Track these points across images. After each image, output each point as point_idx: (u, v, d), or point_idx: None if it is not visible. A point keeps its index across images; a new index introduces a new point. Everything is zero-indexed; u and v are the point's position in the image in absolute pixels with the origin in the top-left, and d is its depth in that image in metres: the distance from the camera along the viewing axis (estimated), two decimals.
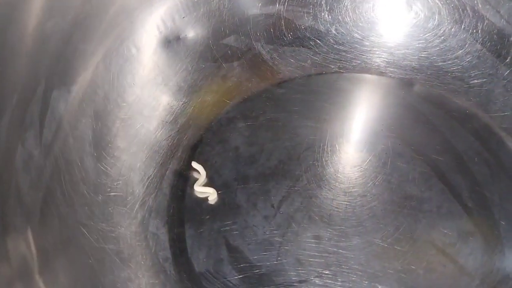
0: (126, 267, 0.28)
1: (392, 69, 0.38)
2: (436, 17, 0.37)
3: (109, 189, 0.30)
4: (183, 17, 0.35)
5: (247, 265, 0.30)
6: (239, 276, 0.30)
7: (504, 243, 0.31)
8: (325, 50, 0.38)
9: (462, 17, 0.37)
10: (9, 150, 0.24)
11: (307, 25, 0.38)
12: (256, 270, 0.30)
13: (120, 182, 0.31)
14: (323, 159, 0.34)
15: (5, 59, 0.24)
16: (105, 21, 0.30)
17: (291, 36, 0.38)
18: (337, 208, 0.32)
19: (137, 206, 0.31)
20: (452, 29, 0.37)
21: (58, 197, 0.27)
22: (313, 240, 0.31)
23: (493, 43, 0.37)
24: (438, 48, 0.38)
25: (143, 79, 0.34)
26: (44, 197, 0.26)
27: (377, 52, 0.38)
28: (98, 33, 0.30)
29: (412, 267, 0.30)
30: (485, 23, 0.37)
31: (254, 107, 0.37)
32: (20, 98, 0.25)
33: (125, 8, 0.31)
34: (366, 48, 0.38)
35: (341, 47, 0.38)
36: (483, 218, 0.32)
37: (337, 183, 0.33)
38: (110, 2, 0.30)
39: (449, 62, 0.37)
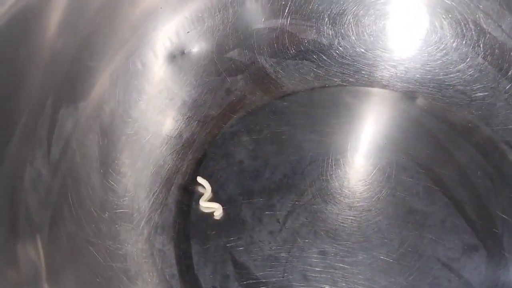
0: (133, 285, 0.28)
1: (394, 83, 0.38)
2: (439, 31, 0.38)
3: (115, 206, 0.30)
4: (188, 32, 0.35)
5: (254, 281, 0.30)
6: None
7: (507, 257, 0.31)
8: (328, 63, 0.39)
9: (464, 31, 0.37)
10: (18, 169, 0.24)
11: (310, 38, 0.39)
12: (263, 286, 0.30)
13: (127, 198, 0.31)
14: (328, 173, 0.34)
15: (17, 76, 0.24)
16: (113, 38, 0.30)
17: (294, 49, 0.39)
18: (342, 223, 0.32)
19: (143, 222, 0.31)
20: (454, 43, 0.38)
21: (65, 216, 0.27)
22: (319, 256, 0.31)
23: (495, 57, 0.37)
24: (440, 62, 0.38)
25: (149, 95, 0.34)
26: (52, 216, 0.26)
27: (380, 66, 0.38)
28: (105, 50, 0.30)
29: (418, 282, 0.30)
30: (487, 37, 0.37)
31: (258, 121, 0.37)
32: (29, 116, 0.25)
33: (131, 24, 0.31)
34: (369, 62, 0.38)
35: (344, 61, 0.39)
36: (486, 232, 0.32)
37: (342, 197, 0.33)
38: (118, 19, 0.30)
39: (451, 75, 0.38)
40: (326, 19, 0.38)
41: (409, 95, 0.38)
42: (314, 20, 0.38)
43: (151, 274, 0.29)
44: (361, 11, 0.38)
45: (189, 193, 0.33)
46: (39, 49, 0.25)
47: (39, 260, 0.23)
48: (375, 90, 0.38)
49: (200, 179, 0.33)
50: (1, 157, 0.23)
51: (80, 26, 0.28)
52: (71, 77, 0.28)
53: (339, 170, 0.35)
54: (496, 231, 0.32)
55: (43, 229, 0.25)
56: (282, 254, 0.31)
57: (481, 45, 0.37)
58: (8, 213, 0.24)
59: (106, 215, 0.29)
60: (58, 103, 0.28)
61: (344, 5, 0.38)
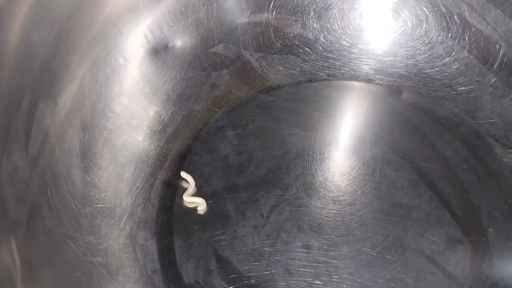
0: (114, 280, 0.28)
1: (380, 76, 0.38)
2: (424, 25, 0.38)
3: (96, 201, 0.30)
4: (171, 26, 0.35)
5: (237, 276, 0.30)
6: (228, 287, 0.30)
7: (492, 251, 0.31)
8: (314, 57, 0.38)
9: (450, 25, 0.37)
10: None
11: (295, 33, 0.38)
12: (246, 281, 0.30)
13: (108, 193, 0.31)
14: (313, 168, 0.34)
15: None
16: (92, 31, 0.30)
17: (280, 44, 0.38)
18: (326, 217, 0.32)
19: (125, 217, 0.31)
20: (440, 37, 0.38)
21: (44, 210, 0.26)
22: (302, 250, 0.31)
23: (480, 50, 0.37)
24: (425, 56, 0.38)
25: (131, 89, 0.33)
26: (30, 210, 0.25)
27: (365, 60, 0.38)
28: (85, 44, 0.30)
29: (402, 275, 0.30)
30: (472, 31, 0.37)
31: (243, 116, 0.37)
32: (5, 110, 0.25)
33: (112, 18, 0.31)
34: (354, 56, 0.38)
35: (329, 55, 0.38)
36: (471, 225, 0.32)
37: (326, 191, 0.33)
38: (97, 12, 0.30)
39: (437, 69, 0.37)
40: (312, 13, 0.38)
41: (394, 89, 0.37)
42: (299, 14, 0.38)
43: (132, 269, 0.29)
44: (346, 5, 0.38)
45: (173, 188, 0.33)
46: (11, 44, 0.25)
47: (14, 262, 0.23)
48: (361, 84, 0.38)
49: (184, 174, 0.33)
50: None
51: (56, 20, 0.27)
52: (49, 71, 0.28)
53: (323, 165, 0.34)
54: (481, 224, 0.32)
55: (19, 224, 0.25)
56: (266, 249, 0.31)
57: (466, 39, 0.37)
58: None
59: (87, 210, 0.29)
60: (36, 97, 0.27)
61: None
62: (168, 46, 0.35)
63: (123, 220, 0.31)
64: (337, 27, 0.38)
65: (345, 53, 0.38)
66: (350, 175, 0.34)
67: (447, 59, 0.37)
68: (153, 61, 0.34)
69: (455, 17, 0.37)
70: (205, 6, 0.35)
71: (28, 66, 0.26)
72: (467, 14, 0.37)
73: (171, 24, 0.35)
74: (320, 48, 0.38)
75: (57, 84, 0.29)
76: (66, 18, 0.28)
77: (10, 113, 0.25)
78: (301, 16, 0.38)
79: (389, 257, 0.31)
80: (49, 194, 0.27)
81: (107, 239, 0.29)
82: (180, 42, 0.35)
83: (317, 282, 0.30)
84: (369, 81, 0.38)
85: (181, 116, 0.35)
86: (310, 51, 0.38)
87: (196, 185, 0.33)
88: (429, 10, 0.37)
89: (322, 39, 0.38)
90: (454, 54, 0.37)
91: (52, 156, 0.28)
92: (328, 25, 0.38)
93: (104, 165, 0.31)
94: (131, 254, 0.29)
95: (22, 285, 0.22)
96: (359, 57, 0.38)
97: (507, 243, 0.31)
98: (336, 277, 0.30)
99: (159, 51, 0.35)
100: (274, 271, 0.30)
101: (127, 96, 0.33)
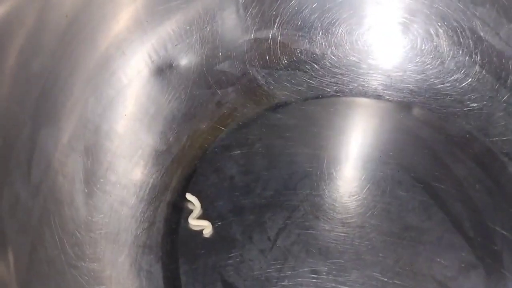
0: None
1: (389, 92, 0.37)
2: (434, 39, 0.37)
3: (100, 227, 0.29)
4: (176, 45, 0.34)
5: None
6: None
7: (507, 276, 0.30)
8: (321, 73, 0.38)
9: (461, 39, 0.36)
10: None
11: (302, 48, 0.38)
12: None
13: (112, 218, 0.30)
14: (321, 188, 0.33)
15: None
16: (95, 54, 0.30)
17: (286, 60, 0.38)
18: (335, 240, 0.31)
19: (129, 242, 0.30)
20: (451, 52, 0.37)
21: (47, 240, 0.26)
22: (310, 275, 0.30)
23: (492, 65, 0.36)
24: (436, 71, 0.37)
25: (135, 110, 0.33)
26: (32, 241, 0.25)
27: (374, 75, 0.37)
28: (87, 67, 0.29)
29: None
30: (484, 45, 0.36)
31: (250, 134, 0.36)
32: (5, 140, 0.24)
33: (115, 39, 0.31)
34: (363, 71, 0.37)
35: (337, 70, 0.38)
36: (485, 249, 0.31)
37: (335, 213, 0.32)
38: (99, 34, 0.29)
39: (448, 84, 0.37)
40: (319, 28, 0.37)
41: (404, 105, 0.37)
42: (306, 29, 0.37)
43: None
44: (354, 20, 0.37)
45: (178, 211, 0.32)
46: (8, 70, 0.24)
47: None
48: (370, 100, 0.37)
49: (189, 196, 0.33)
50: None
51: (57, 44, 0.27)
52: (50, 97, 0.27)
53: (332, 185, 0.34)
54: (495, 248, 0.31)
55: (21, 257, 0.24)
56: (273, 274, 0.30)
57: (479, 54, 0.36)
58: None
59: (91, 236, 0.29)
60: (37, 124, 0.27)
61: (337, 14, 0.37)
62: (173, 65, 0.34)
63: (128, 245, 0.30)
64: (345, 42, 0.37)
65: (353, 68, 0.38)
66: (360, 196, 0.33)
67: (458, 75, 0.36)
68: (157, 81, 0.34)
69: (467, 31, 0.36)
70: (209, 24, 0.35)
71: (28, 92, 0.26)
72: (479, 28, 0.36)
73: (176, 43, 0.34)
74: (328, 63, 0.38)
75: (60, 109, 0.28)
76: (67, 42, 0.28)
77: (10, 142, 0.25)
78: (308, 32, 0.37)
79: (399, 282, 0.30)
80: (52, 222, 0.27)
81: (111, 266, 0.29)
82: (185, 60, 0.35)
83: None
84: (378, 97, 0.37)
85: (186, 136, 0.35)
86: (317, 67, 0.38)
87: (201, 207, 0.32)
88: (439, 24, 0.37)
89: (330, 54, 0.38)
90: (466, 69, 0.36)
91: (55, 183, 0.27)
92: (335, 40, 0.37)
93: (108, 189, 0.31)
94: (135, 281, 0.29)
95: None
96: (367, 73, 0.37)
97: None
98: None
99: (163, 70, 0.34)
100: None
101: (132, 117, 0.33)
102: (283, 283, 0.30)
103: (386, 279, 0.30)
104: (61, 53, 0.27)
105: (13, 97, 0.25)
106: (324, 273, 0.30)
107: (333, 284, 0.30)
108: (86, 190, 0.29)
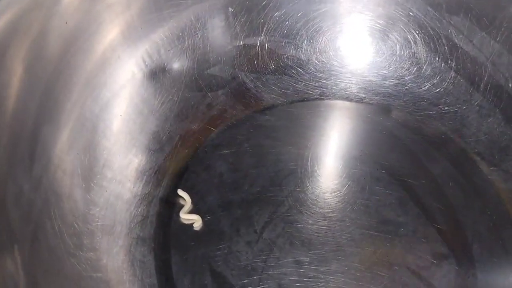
0: None
1: (370, 96, 0.39)
2: (412, 46, 0.39)
3: (97, 219, 0.31)
4: (169, 50, 0.36)
5: None
6: None
7: (476, 266, 0.32)
8: (306, 78, 0.40)
9: (437, 46, 0.39)
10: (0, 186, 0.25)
11: (289, 54, 0.40)
12: None
13: (108, 211, 0.32)
14: (304, 185, 0.36)
15: (2, 100, 0.25)
16: (93, 58, 0.32)
17: (273, 65, 0.40)
18: (317, 233, 0.33)
19: (124, 234, 0.32)
20: (428, 58, 0.39)
21: (47, 229, 0.28)
22: (294, 265, 0.32)
23: (466, 71, 0.38)
24: (414, 76, 0.39)
25: (130, 111, 0.35)
26: (34, 230, 0.27)
27: (356, 80, 0.40)
28: (86, 70, 0.31)
29: None
30: (459, 52, 0.38)
31: (238, 134, 0.38)
32: (10, 136, 0.26)
33: (112, 44, 0.33)
34: (345, 76, 0.40)
35: (321, 75, 0.40)
36: (456, 241, 0.33)
37: (317, 208, 0.35)
38: (97, 40, 0.32)
39: (425, 88, 0.39)
40: (304, 36, 0.40)
41: (383, 108, 0.39)
42: (292, 37, 0.40)
43: (131, 284, 0.30)
44: (337, 28, 0.39)
45: (170, 205, 0.34)
46: (14, 73, 0.26)
47: (19, 273, 0.24)
48: (351, 103, 0.39)
49: (180, 192, 0.35)
50: None
51: (57, 49, 0.29)
52: (51, 97, 0.29)
53: (315, 182, 0.36)
54: (466, 240, 0.33)
55: (25, 243, 0.26)
56: (259, 264, 0.32)
57: (454, 60, 0.39)
58: None
59: (88, 228, 0.31)
60: (39, 122, 0.29)
61: (321, 23, 0.39)
62: (166, 69, 0.37)
63: (122, 237, 0.32)
64: (328, 49, 0.40)
65: (336, 73, 0.40)
66: (341, 192, 0.35)
67: (434, 80, 0.39)
68: (151, 84, 0.36)
69: (443, 39, 0.39)
70: (201, 31, 0.37)
71: (31, 93, 0.28)
72: (454, 36, 0.38)
73: (169, 48, 0.36)
74: (312, 68, 0.40)
75: (59, 109, 0.30)
76: (67, 47, 0.30)
77: (14, 138, 0.27)
78: (293, 39, 0.40)
79: (377, 272, 0.32)
80: (52, 214, 0.29)
81: (107, 256, 0.30)
82: (177, 65, 0.37)
83: None
84: (359, 100, 0.39)
85: (178, 136, 0.37)
86: (302, 72, 0.40)
87: (192, 202, 0.34)
88: (417, 32, 0.39)
89: (314, 60, 0.40)
90: (442, 75, 0.39)
91: (55, 178, 0.29)
92: (319, 47, 0.40)
93: (104, 184, 0.33)
94: (129, 270, 0.31)
95: None
96: (349, 78, 0.40)
97: (491, 259, 0.32)
98: None
99: (157, 74, 0.36)
100: (266, 286, 0.31)
101: (127, 118, 0.35)
102: (268, 272, 0.32)
103: (364, 269, 0.32)
104: (61, 57, 0.30)
105: (18, 97, 0.27)
106: (307, 263, 0.32)
107: (315, 274, 0.32)
108: (83, 185, 0.31)
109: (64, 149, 0.30)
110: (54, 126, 0.30)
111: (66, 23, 0.30)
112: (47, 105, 0.29)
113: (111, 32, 0.32)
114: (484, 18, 0.37)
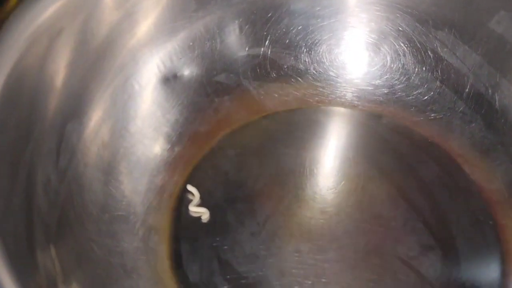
0: (129, 278, 0.32)
1: (363, 103, 0.43)
2: (401, 58, 0.43)
3: (114, 209, 0.34)
4: (180, 58, 0.39)
5: (236, 276, 0.34)
6: (228, 286, 0.34)
7: (460, 257, 0.35)
8: (305, 86, 0.43)
9: (424, 58, 0.42)
10: (32, 174, 0.28)
11: (289, 64, 0.43)
12: (243, 280, 0.34)
13: (124, 203, 0.35)
14: (303, 183, 0.39)
15: (37, 100, 0.29)
16: (114, 63, 0.35)
17: (275, 74, 0.43)
18: (315, 225, 0.36)
19: (138, 224, 0.35)
20: (416, 69, 0.43)
21: (71, 217, 0.31)
22: (294, 253, 0.35)
23: (451, 81, 0.42)
24: (403, 85, 0.43)
25: (144, 112, 0.38)
26: (60, 217, 0.30)
27: (350, 88, 0.43)
28: (108, 74, 0.34)
29: (380, 276, 0.34)
30: (444, 64, 0.42)
31: (243, 137, 0.41)
32: (40, 130, 0.29)
33: (130, 51, 0.36)
34: (340, 85, 0.43)
35: (318, 84, 0.43)
36: (442, 234, 0.36)
37: (315, 203, 0.38)
38: (118, 48, 0.35)
39: (413, 97, 0.42)
40: (303, 47, 0.43)
41: (375, 115, 0.42)
42: (292, 48, 0.43)
43: (145, 269, 0.33)
44: (333, 41, 0.43)
45: (180, 199, 0.37)
46: (52, 78, 0.30)
47: (55, 270, 0.27)
48: (346, 110, 0.43)
49: (189, 187, 0.38)
50: (18, 164, 0.27)
51: (88, 55, 0.32)
52: (76, 98, 0.33)
53: (313, 180, 0.39)
54: (451, 233, 0.36)
55: (52, 229, 0.29)
56: (262, 252, 0.35)
57: (439, 71, 0.42)
58: (26, 215, 0.27)
59: (106, 216, 0.33)
60: (65, 119, 0.32)
61: (318, 36, 0.43)
62: (177, 75, 0.40)
63: (137, 226, 0.35)
64: (325, 60, 0.43)
65: (332, 82, 0.43)
66: (336, 189, 0.38)
67: (422, 89, 0.42)
68: (164, 88, 0.39)
69: (429, 52, 0.42)
70: (209, 41, 0.40)
71: (61, 95, 0.31)
72: (439, 49, 0.42)
73: (180, 56, 0.40)
74: (310, 78, 0.43)
75: (83, 109, 0.33)
76: (91, 52, 0.33)
77: (44, 133, 0.30)
78: (293, 50, 0.43)
79: (369, 260, 0.35)
80: (75, 203, 0.31)
81: (123, 243, 0.33)
82: (187, 71, 0.40)
83: (307, 281, 0.34)
84: (353, 107, 0.43)
85: (187, 137, 0.40)
86: (301, 81, 0.43)
87: (200, 197, 0.37)
88: (406, 45, 0.43)
89: (312, 70, 0.43)
90: (428, 84, 0.42)
91: (77, 170, 0.32)
92: (317, 58, 0.43)
93: (120, 179, 0.35)
94: (143, 256, 0.34)
95: (62, 283, 0.27)
96: (344, 86, 0.43)
97: (473, 249, 0.36)
98: (324, 277, 0.34)
99: (169, 79, 0.39)
100: (268, 272, 0.34)
101: (141, 119, 0.38)
102: (270, 260, 0.35)
103: (358, 258, 0.35)
104: (85, 61, 0.33)
105: (51, 96, 0.30)
106: (306, 252, 0.35)
107: (313, 261, 0.35)
108: (102, 178, 0.34)
109: (86, 145, 0.33)
110: (78, 123, 0.33)
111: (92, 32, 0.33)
112: (72, 104, 0.32)
113: (130, 40, 0.36)
114: (466, 33, 0.40)
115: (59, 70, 0.30)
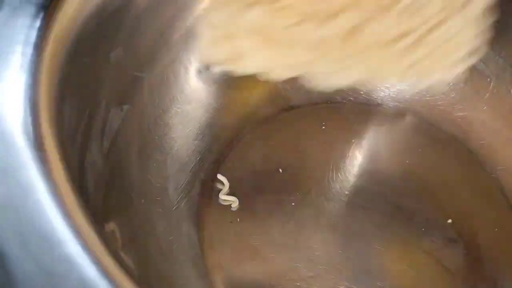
0: (165, 261, 0.33)
1: (387, 102, 0.44)
2: None
3: (149, 194, 0.35)
4: None
5: (264, 263, 0.35)
6: (257, 272, 0.35)
7: (481, 249, 0.36)
8: None
9: None
10: (81, 155, 0.30)
11: None
12: (272, 268, 0.35)
13: (158, 188, 0.36)
14: (329, 176, 0.40)
15: (89, 86, 0.30)
16: (154, 57, 0.36)
17: None
18: (341, 217, 0.38)
19: (171, 210, 0.36)
20: None
21: (113, 196, 0.32)
22: (321, 243, 0.36)
23: (473, 82, 0.43)
24: (427, 86, 0.44)
25: (178, 102, 0.39)
26: (104, 196, 0.31)
27: (376, 87, 0.44)
28: (149, 64, 0.36)
29: (406, 267, 0.35)
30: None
31: (270, 130, 0.42)
32: (89, 115, 0.31)
33: (168, 47, 0.37)
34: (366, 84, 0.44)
35: None
36: (464, 228, 0.37)
37: (341, 196, 0.39)
38: (159, 42, 0.36)
39: (437, 97, 0.44)
40: None
41: (399, 113, 0.43)
42: None
43: (179, 253, 0.34)
44: None
45: (210, 188, 0.38)
46: (107, 66, 0.31)
47: (115, 232, 0.29)
48: (371, 107, 0.44)
49: (220, 176, 0.39)
50: (72, 144, 0.28)
51: (139, 46, 0.34)
52: (119, 86, 0.34)
53: (339, 174, 0.40)
54: (473, 228, 0.38)
55: (98, 208, 0.30)
56: (290, 241, 0.36)
57: (462, 73, 0.43)
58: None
59: (143, 200, 0.35)
60: (108, 105, 0.33)
61: None
62: (209, 68, 0.41)
63: (170, 212, 0.36)
64: None
65: None
66: (361, 183, 0.40)
67: (445, 89, 0.44)
68: (197, 80, 0.41)
69: None
70: None
71: (106, 81, 0.32)
72: None
73: None
74: None
75: (123, 96, 0.35)
76: (142, 46, 0.35)
77: (92, 117, 0.31)
78: None
79: (394, 251, 0.36)
80: (116, 184, 0.33)
81: (158, 225, 0.34)
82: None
83: (333, 269, 0.35)
84: (378, 105, 0.44)
85: (218, 127, 0.41)
86: None
87: (230, 186, 0.38)
88: None
89: None
90: (452, 85, 0.43)
91: (118, 154, 0.33)
92: None
93: (155, 165, 0.37)
94: (177, 239, 0.35)
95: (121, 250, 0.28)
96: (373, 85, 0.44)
97: (495, 244, 0.37)
98: (351, 265, 0.35)
99: (202, 72, 0.41)
100: (297, 259, 0.35)
101: (175, 109, 0.39)
102: (298, 248, 0.36)
103: (383, 249, 0.36)
104: (138, 53, 0.34)
105: (99, 82, 0.31)
106: (332, 242, 0.36)
107: (340, 251, 0.36)
108: (139, 163, 0.35)
109: (125, 130, 0.35)
110: (119, 109, 0.34)
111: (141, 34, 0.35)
112: (117, 91, 0.33)
113: (172, 39, 0.37)
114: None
115: (113, 62, 0.32)
